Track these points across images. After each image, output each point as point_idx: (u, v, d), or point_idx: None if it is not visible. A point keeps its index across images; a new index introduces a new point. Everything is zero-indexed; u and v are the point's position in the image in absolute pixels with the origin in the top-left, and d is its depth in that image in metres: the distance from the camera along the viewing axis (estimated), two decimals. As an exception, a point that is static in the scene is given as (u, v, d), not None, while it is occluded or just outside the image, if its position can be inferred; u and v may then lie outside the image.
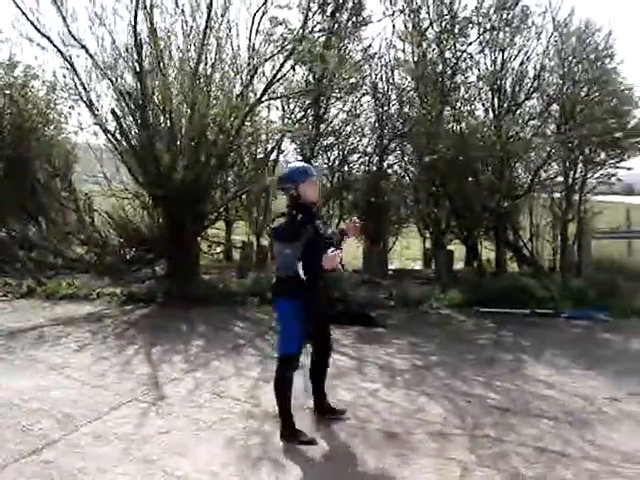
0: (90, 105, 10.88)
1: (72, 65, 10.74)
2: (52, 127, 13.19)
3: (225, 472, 4.65)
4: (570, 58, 11.91)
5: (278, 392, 5.34)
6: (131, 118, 10.97)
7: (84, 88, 10.84)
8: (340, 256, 5.13)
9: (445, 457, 4.96)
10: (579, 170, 12.72)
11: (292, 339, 5.21)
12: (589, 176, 12.82)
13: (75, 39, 10.53)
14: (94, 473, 4.61)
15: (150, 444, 5.11)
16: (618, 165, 12.78)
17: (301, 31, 10.96)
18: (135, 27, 10.41)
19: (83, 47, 10.60)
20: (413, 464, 4.85)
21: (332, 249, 4.96)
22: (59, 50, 10.58)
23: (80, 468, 4.68)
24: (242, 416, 5.75)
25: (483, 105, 12.27)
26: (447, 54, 11.91)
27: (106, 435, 5.26)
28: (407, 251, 15.00)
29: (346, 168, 13.04)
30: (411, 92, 12.26)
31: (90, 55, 10.65)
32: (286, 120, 12.66)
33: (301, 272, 5.00)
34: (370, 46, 12.37)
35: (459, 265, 13.52)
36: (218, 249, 14.89)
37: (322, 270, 5.01)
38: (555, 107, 12.24)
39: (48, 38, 10.49)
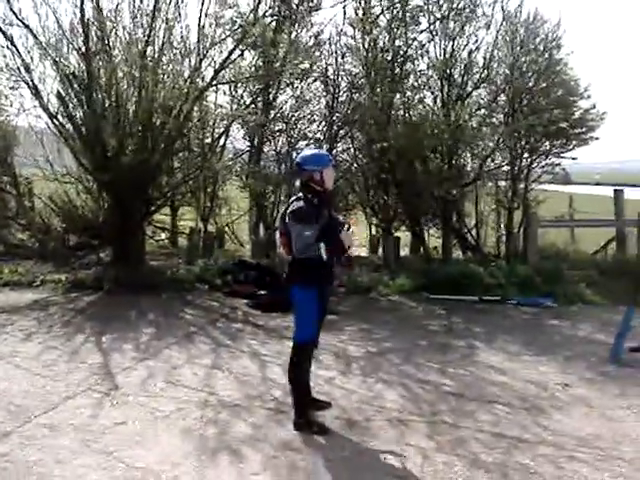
0: (33, 86, 10.53)
1: (14, 45, 10.37)
2: (-7, 109, 12.72)
3: (187, 462, 4.59)
4: (518, 49, 12.08)
5: (294, 380, 5.30)
6: (76, 100, 10.65)
7: (26, 69, 10.48)
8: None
9: (405, 444, 5.00)
10: (525, 159, 12.91)
11: (309, 325, 5.20)
12: (534, 165, 13.03)
13: (18, 18, 10.17)
14: (51, 465, 4.49)
15: (108, 435, 5.01)
16: (562, 155, 13.02)
17: (252, 15, 10.81)
18: (82, 6, 10.11)
19: (26, 26, 10.26)
20: (373, 452, 4.88)
21: (347, 227, 5.19)
22: (0, 29, 10.20)
23: (36, 460, 4.55)
24: (199, 405, 5.70)
25: (432, 93, 12.36)
26: (398, 42, 11.94)
27: (61, 426, 5.13)
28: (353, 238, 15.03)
29: (295, 154, 12.94)
30: (362, 79, 12.22)
31: (34, 35, 10.32)
32: (235, 105, 12.50)
33: (324, 253, 5.00)
34: (321, 32, 12.27)
35: (405, 252, 13.63)
36: (163, 235, 14.68)
37: (336, 252, 5.15)
38: (503, 97, 12.38)
39: (-12, 16, 10.12)
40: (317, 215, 5.03)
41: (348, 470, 4.56)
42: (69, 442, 4.87)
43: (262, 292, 9.86)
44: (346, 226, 5.17)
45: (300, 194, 5.25)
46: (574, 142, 12.84)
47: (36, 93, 10.58)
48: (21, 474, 4.37)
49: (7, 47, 10.44)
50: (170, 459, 4.63)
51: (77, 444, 4.84)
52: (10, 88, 11.15)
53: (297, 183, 5.44)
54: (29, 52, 10.50)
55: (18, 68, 10.54)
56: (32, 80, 10.54)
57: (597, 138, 13.05)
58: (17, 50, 10.42)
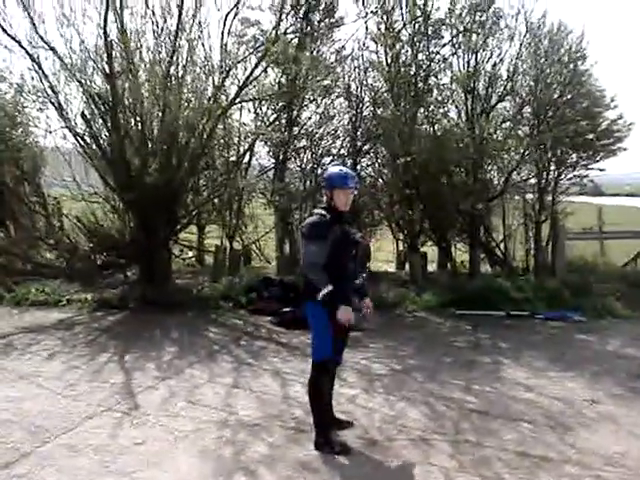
0: (59, 108, 10.66)
1: (40, 67, 10.51)
2: (20, 130, 12.90)
3: (204, 484, 4.54)
4: (543, 60, 11.95)
5: (313, 399, 5.24)
6: (101, 121, 10.78)
7: (52, 90, 10.63)
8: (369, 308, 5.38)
9: (427, 463, 4.91)
10: (552, 171, 12.76)
11: (326, 343, 5.11)
12: (561, 177, 12.87)
13: (43, 40, 10.30)
14: (69, 487, 4.48)
15: (126, 455, 4.98)
16: (590, 166, 12.86)
17: (274, 32, 10.84)
18: (105, 28, 10.20)
19: (51, 49, 10.38)
20: (395, 472, 4.79)
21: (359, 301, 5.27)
22: (27, 52, 10.35)
23: (54, 482, 4.54)
24: (218, 425, 5.65)
25: (456, 107, 12.28)
26: (420, 56, 11.88)
27: (80, 446, 5.12)
28: (379, 253, 14.93)
29: (319, 171, 12.93)
30: (384, 94, 12.19)
31: (59, 57, 10.44)
32: (259, 123, 12.53)
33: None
34: (343, 48, 12.30)
35: (432, 267, 13.52)
36: (190, 253, 14.73)
37: (347, 276, 5.11)
38: (528, 109, 12.26)
39: (15, 39, 10.26)
40: (326, 230, 4.96)
41: (367, 491, 4.48)
42: (88, 463, 4.85)
43: (286, 309, 9.83)
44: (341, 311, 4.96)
45: (315, 210, 5.24)
46: (601, 153, 12.66)
47: (62, 114, 10.71)
48: (38, 496, 4.36)
49: (34, 70, 10.58)
50: (187, 480, 4.59)
51: (96, 465, 4.82)
52: (38, 110, 11.33)
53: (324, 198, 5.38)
54: (55, 74, 10.64)
55: (45, 90, 10.70)
56: (58, 101, 10.68)
57: (625, 149, 12.87)
58: (43, 72, 10.56)
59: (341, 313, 4.94)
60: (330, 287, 4.89)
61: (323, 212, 5.09)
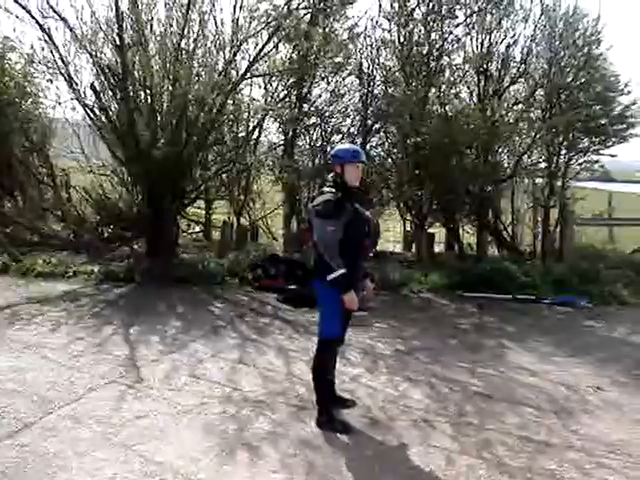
0: (69, 79, 10.58)
1: (51, 37, 10.41)
2: (29, 101, 12.85)
3: (206, 459, 4.55)
4: (557, 43, 11.83)
5: (318, 377, 5.24)
6: (111, 93, 10.71)
7: (63, 61, 10.53)
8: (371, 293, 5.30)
9: (429, 445, 4.91)
10: (562, 156, 12.66)
11: (334, 321, 5.11)
12: (572, 162, 12.77)
13: (54, 11, 10.19)
14: (71, 457, 4.49)
15: (129, 428, 4.99)
16: (601, 152, 12.74)
17: (286, 7, 10.72)
18: (117, -1, 10.13)
19: (62, 19, 10.27)
20: (396, 453, 4.79)
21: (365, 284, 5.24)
22: (37, 22, 10.26)
23: (56, 452, 4.55)
24: (221, 400, 5.66)
25: (468, 88, 12.21)
26: (433, 35, 11.75)
27: (83, 418, 5.13)
28: (387, 233, 14.90)
29: (329, 149, 12.85)
30: (396, 73, 12.07)
31: (69, 27, 10.34)
32: (269, 98, 12.45)
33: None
34: (356, 25, 12.13)
35: (439, 248, 13.48)
36: (197, 228, 14.73)
37: (360, 254, 5.13)
38: (541, 92, 12.14)
39: (25, 9, 10.18)
40: (339, 209, 4.94)
41: (369, 470, 4.48)
42: (90, 434, 4.86)
43: (292, 286, 9.82)
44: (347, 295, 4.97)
45: (325, 188, 5.17)
46: (613, 139, 12.53)
47: (72, 85, 10.63)
48: (40, 465, 4.36)
49: (45, 40, 10.50)
50: (189, 454, 4.59)
51: (98, 437, 4.83)
52: (47, 81, 11.29)
53: (329, 176, 5.35)
54: (65, 45, 10.53)
55: (55, 61, 10.59)
56: (68, 72, 10.58)
57: (638, 135, 12.72)
58: (54, 43, 10.46)
59: (347, 298, 4.95)
60: (342, 270, 4.87)
61: (334, 191, 5.04)
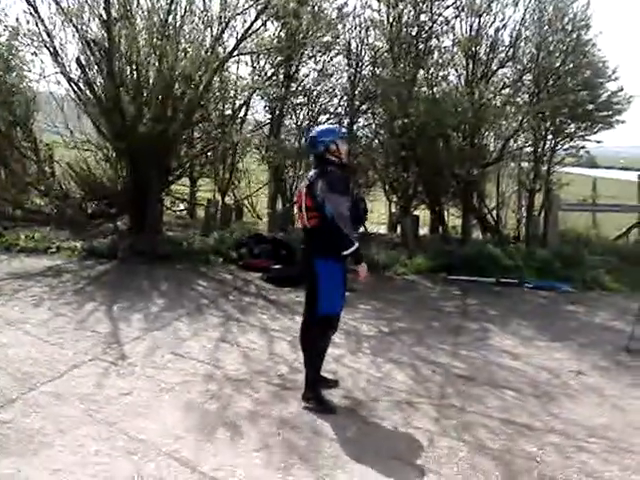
0: (54, 53, 10.47)
1: (36, 10, 10.29)
2: (14, 74, 12.67)
3: (189, 437, 4.55)
4: (546, 28, 11.80)
5: (313, 353, 5.26)
6: (96, 67, 10.62)
7: (48, 35, 10.43)
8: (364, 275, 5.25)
9: (411, 427, 4.93)
10: (549, 141, 12.68)
11: (335, 299, 5.14)
12: (558, 147, 12.79)
13: (40, -17, 10.08)
14: (54, 434, 4.47)
15: (112, 405, 4.98)
16: (587, 137, 12.77)
17: (275, -15, 10.63)
18: (103, -29, 10.00)
19: (48, -8, 10.16)
20: (378, 433, 4.81)
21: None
22: (23, -5, 10.13)
23: (39, 429, 4.53)
24: (204, 378, 5.66)
25: (456, 71, 12.15)
26: (423, 17, 11.69)
27: (66, 395, 5.11)
28: (371, 215, 14.92)
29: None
30: (385, 54, 12.02)
31: (55, 1, 10.24)
32: (256, 77, 12.37)
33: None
34: (345, 4, 12.06)
35: (424, 231, 13.50)
36: (181, 206, 14.65)
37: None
38: (529, 76, 12.13)
39: (11, -20, 10.06)
40: (348, 186, 5.18)
41: (351, 451, 4.48)
42: (73, 411, 4.84)
43: (276, 266, 9.81)
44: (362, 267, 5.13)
45: (319, 169, 5.18)
46: (599, 125, 12.55)
47: (57, 59, 10.53)
48: (22, 442, 4.34)
49: (30, 13, 10.35)
50: (172, 432, 4.59)
51: (81, 413, 4.81)
52: (32, 54, 11.12)
53: (312, 158, 5.36)
54: (50, 18, 10.43)
55: (40, 34, 10.48)
56: (53, 46, 10.50)
57: (623, 121, 12.75)
58: (39, 16, 10.34)
59: (362, 269, 5.12)
60: (357, 244, 4.98)
61: (332, 169, 5.14)
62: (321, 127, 5.86)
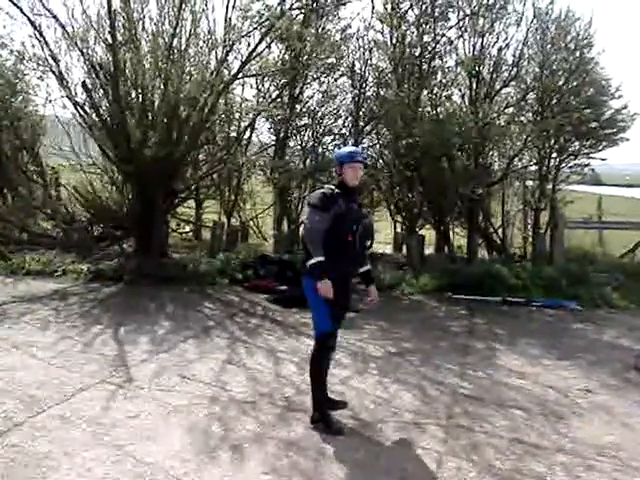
0: (59, 76, 10.54)
1: (42, 35, 10.37)
2: (20, 98, 12.79)
3: (196, 459, 4.52)
4: (549, 47, 11.87)
5: (313, 374, 5.26)
6: (102, 91, 10.69)
7: (53, 59, 10.49)
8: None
9: (418, 447, 4.91)
10: (553, 159, 12.70)
11: (323, 317, 5.13)
12: (563, 165, 12.81)
13: (45, 8, 10.15)
14: (61, 458, 4.45)
15: (119, 428, 4.96)
16: (592, 155, 12.79)
17: (279, 8, 10.71)
18: (108, -4, 10.08)
19: (53, 16, 10.23)
20: (387, 455, 4.78)
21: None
22: (28, 19, 10.21)
23: (46, 452, 4.52)
24: (211, 401, 5.64)
25: (460, 90, 12.24)
26: (426, 38, 11.80)
27: (73, 418, 5.10)
28: (377, 235, 14.92)
29: (320, 150, 12.87)
30: (389, 74, 12.09)
31: (61, 25, 10.31)
32: (261, 99, 12.44)
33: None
34: (349, 26, 12.17)
35: (430, 250, 13.49)
36: (187, 228, 14.69)
37: (344, 248, 5.13)
38: (532, 95, 12.17)
39: (17, 5, 10.14)
40: (330, 204, 5.06)
41: (359, 473, 4.46)
42: (80, 434, 4.83)
43: (283, 287, 9.82)
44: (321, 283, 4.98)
45: (326, 185, 5.37)
46: (604, 143, 12.58)
47: (62, 83, 10.59)
48: (30, 466, 4.33)
49: (35, 37, 10.44)
50: (179, 455, 4.57)
51: (88, 437, 4.80)
52: (38, 78, 11.20)
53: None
54: (56, 42, 10.50)
55: (45, 58, 10.54)
56: (59, 70, 10.56)
57: (627, 139, 12.80)
58: (45, 40, 10.42)
59: (320, 286, 4.97)
60: (320, 258, 4.95)
61: (332, 187, 5.23)
62: (345, 148, 6.19)
